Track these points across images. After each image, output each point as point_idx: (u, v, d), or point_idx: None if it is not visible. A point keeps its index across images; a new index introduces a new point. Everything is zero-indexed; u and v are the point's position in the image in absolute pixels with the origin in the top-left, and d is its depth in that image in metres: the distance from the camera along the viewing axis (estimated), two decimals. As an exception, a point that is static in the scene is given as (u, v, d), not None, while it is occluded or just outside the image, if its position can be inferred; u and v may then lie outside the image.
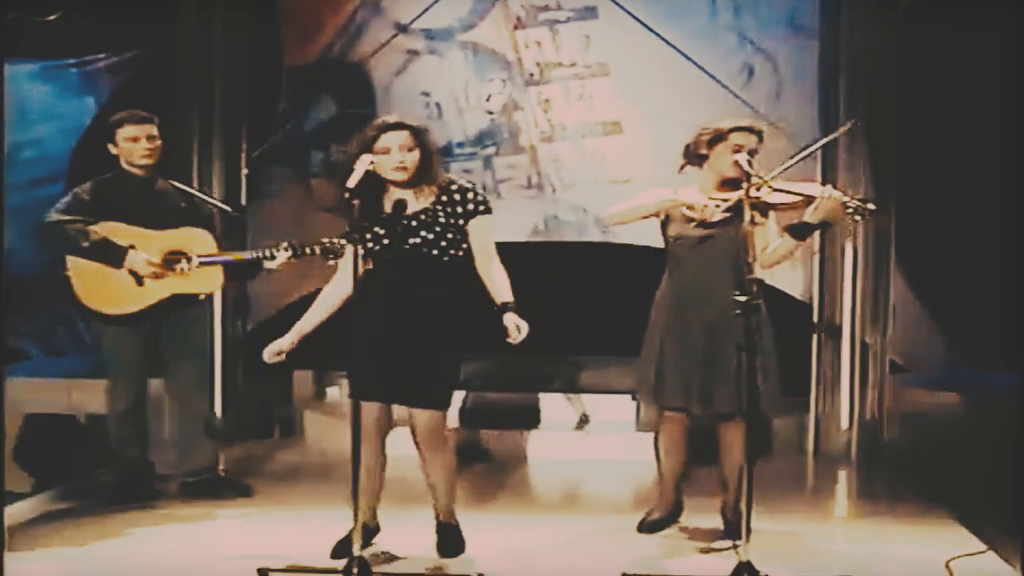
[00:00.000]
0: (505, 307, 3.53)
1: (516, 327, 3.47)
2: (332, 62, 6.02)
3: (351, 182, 3.37)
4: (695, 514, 4.16)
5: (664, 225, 3.81)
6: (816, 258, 5.41)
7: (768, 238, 3.67)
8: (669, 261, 3.82)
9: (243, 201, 5.68)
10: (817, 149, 3.75)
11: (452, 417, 5.52)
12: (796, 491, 4.92)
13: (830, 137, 3.93)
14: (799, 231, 3.59)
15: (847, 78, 5.48)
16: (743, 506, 3.35)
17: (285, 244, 4.24)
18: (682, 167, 3.82)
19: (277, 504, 4.45)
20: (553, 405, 5.79)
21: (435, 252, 3.54)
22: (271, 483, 4.81)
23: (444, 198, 3.58)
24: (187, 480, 4.49)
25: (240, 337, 5.81)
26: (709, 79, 5.70)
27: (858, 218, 3.47)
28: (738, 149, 3.66)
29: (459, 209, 3.57)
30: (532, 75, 6.02)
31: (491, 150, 6.01)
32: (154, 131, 4.32)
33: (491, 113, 5.99)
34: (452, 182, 3.60)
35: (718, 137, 3.71)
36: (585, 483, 5.09)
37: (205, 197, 4.55)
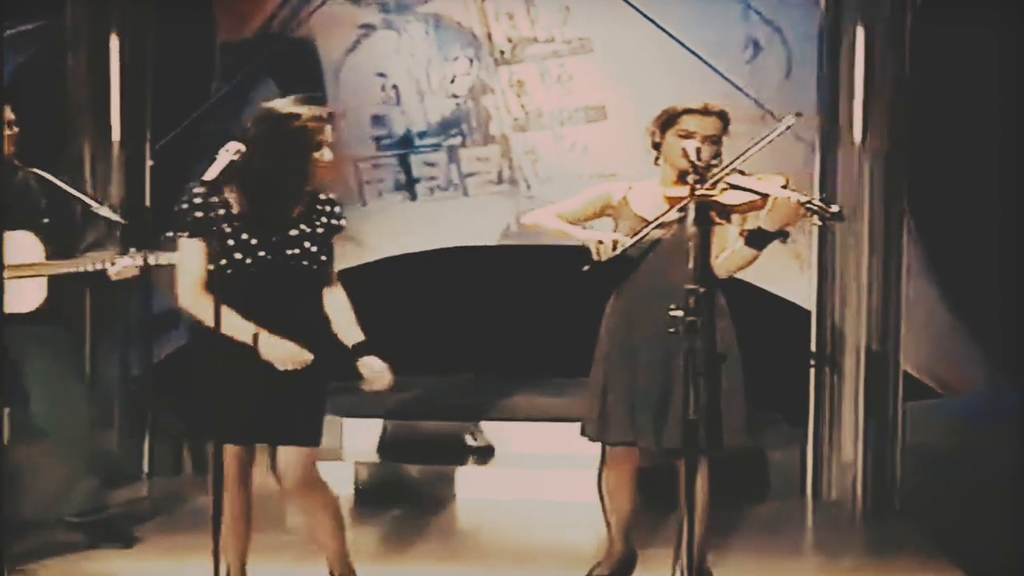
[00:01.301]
0: (360, 348, 3.37)
1: (377, 373, 3.33)
2: (273, 37, 5.91)
3: (210, 174, 3.14)
4: (650, 568, 3.92)
5: (614, 226, 3.67)
6: (815, 256, 5.26)
7: (728, 242, 3.52)
8: (620, 267, 3.64)
9: (148, 200, 5.34)
10: (770, 141, 3.45)
11: (371, 448, 5.43)
12: (788, 541, 4.65)
13: (781, 128, 3.53)
14: (756, 239, 3.40)
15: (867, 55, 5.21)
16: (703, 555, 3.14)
17: (133, 250, 3.96)
18: (656, 158, 3.64)
19: (161, 554, 4.20)
20: (496, 435, 5.57)
21: (314, 267, 3.36)
22: (165, 527, 4.56)
23: (318, 206, 3.41)
24: (70, 520, 4.23)
25: (148, 359, 5.49)
26: (708, 56, 5.56)
27: (818, 222, 3.32)
28: (688, 136, 3.48)
29: (332, 221, 3.43)
30: (503, 53, 5.96)
31: (456, 140, 5.95)
32: (10, 115, 4.03)
33: (456, 97, 5.93)
34: (321, 190, 3.43)
35: (668, 121, 3.54)
36: (529, 529, 4.78)
37: (81, 194, 4.22)
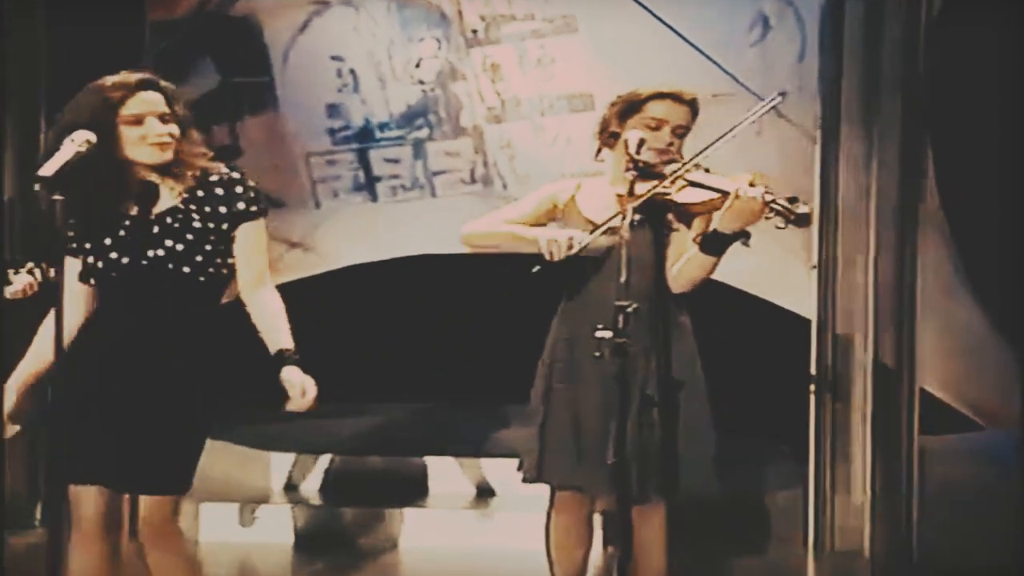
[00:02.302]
0: (283, 357, 3.20)
1: (299, 388, 3.15)
2: (211, 16, 5.80)
3: (47, 169, 2.91)
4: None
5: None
6: (816, 255, 5.26)
7: (687, 249, 3.46)
8: (566, 280, 3.56)
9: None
10: (739, 128, 3.39)
11: (311, 489, 5.39)
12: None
13: (760, 110, 3.45)
14: (712, 243, 3.32)
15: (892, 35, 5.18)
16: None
17: (30, 265, 3.77)
18: (598, 151, 3.59)
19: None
20: (446, 473, 5.49)
21: (186, 269, 3.17)
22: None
23: (200, 193, 3.21)
24: None
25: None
26: (710, 35, 5.46)
27: (781, 224, 3.24)
28: (656, 126, 3.43)
29: (222, 208, 3.20)
30: (476, 32, 5.84)
31: (423, 133, 5.86)
32: None
33: (422, 83, 5.84)
34: (209, 171, 3.23)
35: (631, 108, 3.48)
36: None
37: None
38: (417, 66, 5.84)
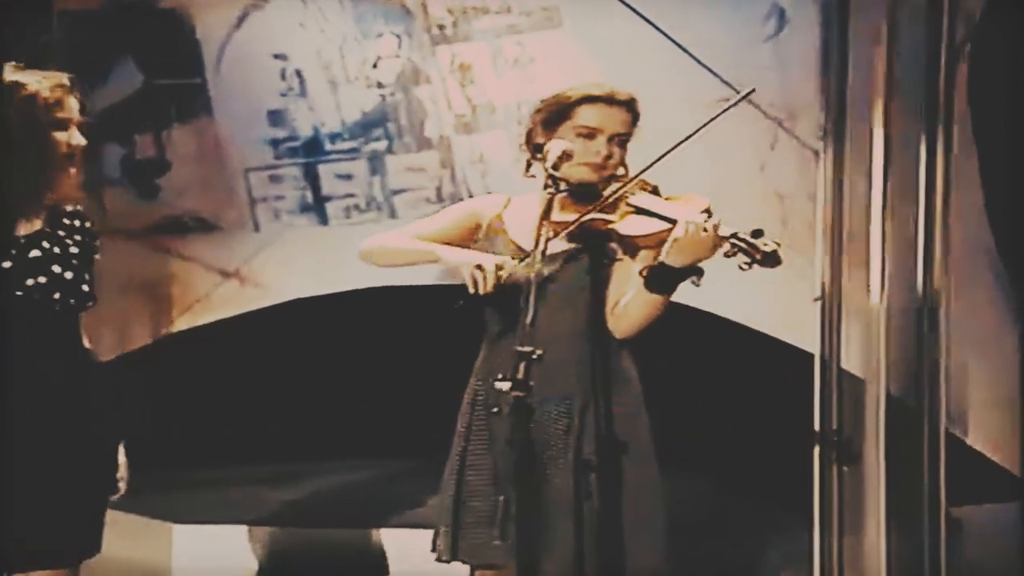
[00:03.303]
0: None
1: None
2: (133, 6, 5.73)
3: None
4: None
5: None
6: (819, 277, 5.23)
7: (631, 284, 3.43)
8: (487, 319, 3.50)
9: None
10: (702, 128, 3.37)
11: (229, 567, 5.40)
12: None
13: (721, 112, 3.43)
14: (658, 280, 3.26)
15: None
16: None
17: None
18: (528, 165, 3.55)
19: None
20: (408, 548, 5.37)
21: (72, 302, 3.29)
22: None
23: (65, 219, 3.35)
24: None
25: None
26: (713, 31, 5.39)
27: (746, 264, 3.20)
28: (589, 135, 3.38)
29: (86, 240, 3.35)
30: (443, 28, 5.70)
31: (381, 144, 5.73)
32: None
33: (380, 87, 5.73)
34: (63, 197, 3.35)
35: (558, 115, 3.44)
36: None
37: None
38: (374, 66, 5.73)
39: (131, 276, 5.42)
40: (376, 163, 5.74)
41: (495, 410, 3.10)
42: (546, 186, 3.26)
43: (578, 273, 3.39)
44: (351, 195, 5.72)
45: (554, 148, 3.31)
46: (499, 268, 3.31)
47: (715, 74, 5.34)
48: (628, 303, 3.37)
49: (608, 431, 3.36)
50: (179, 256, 5.56)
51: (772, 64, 5.37)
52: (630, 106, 3.45)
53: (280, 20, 5.67)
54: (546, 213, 3.19)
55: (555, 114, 3.45)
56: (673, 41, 5.41)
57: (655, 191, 3.39)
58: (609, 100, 3.43)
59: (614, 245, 3.38)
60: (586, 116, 3.40)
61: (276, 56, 5.69)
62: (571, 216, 3.33)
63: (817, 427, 5.19)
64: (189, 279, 5.55)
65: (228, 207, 5.61)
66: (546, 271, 3.27)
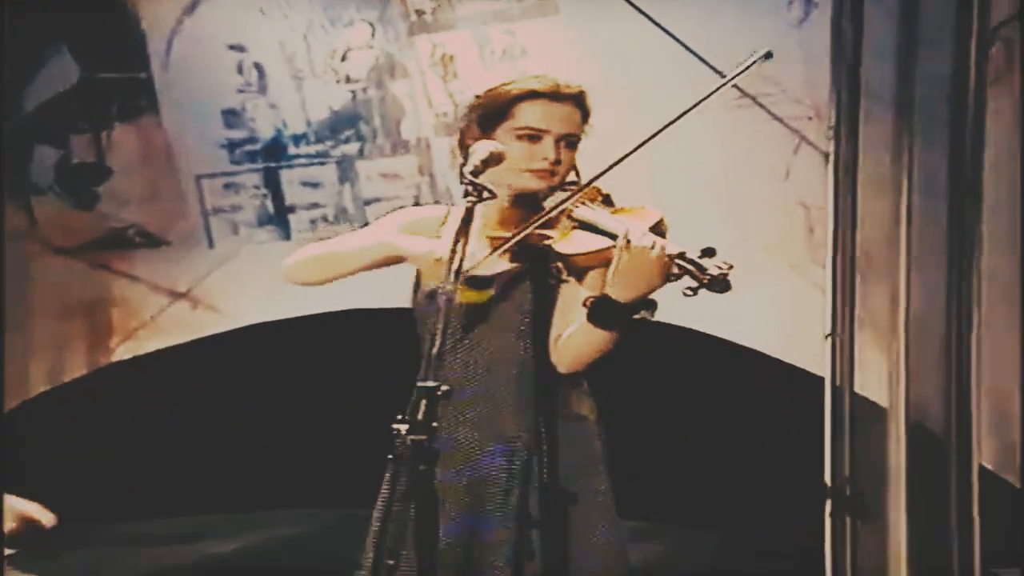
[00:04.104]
0: None
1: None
2: None
3: None
4: None
5: (416, 283, 3.42)
6: (830, 295, 4.94)
7: (576, 315, 3.29)
8: (423, 349, 3.23)
9: None
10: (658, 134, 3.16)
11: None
12: None
13: (716, 90, 3.14)
14: (600, 314, 3.09)
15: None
16: None
17: None
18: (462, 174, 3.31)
19: None
20: None
21: None
22: None
23: None
24: None
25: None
26: (729, 20, 5.23)
27: (689, 291, 3.01)
28: (533, 135, 3.19)
29: None
30: (422, 14, 5.70)
31: (352, 147, 5.70)
32: None
33: (351, 82, 5.69)
34: None
35: (496, 113, 3.24)
36: None
37: None
38: (344, 59, 5.70)
39: (65, 298, 5.29)
40: (346, 169, 5.76)
41: (390, 456, 2.85)
42: (466, 194, 3.01)
43: (518, 297, 3.22)
44: (318, 205, 5.69)
45: (478, 149, 3.07)
46: (455, 259, 3.11)
47: (717, 71, 5.21)
48: (571, 336, 3.19)
49: (552, 480, 3.22)
50: (121, 275, 5.42)
51: (796, 56, 5.24)
52: (579, 101, 3.25)
53: (237, 6, 5.68)
54: (464, 227, 2.96)
55: (492, 113, 3.26)
56: (672, 36, 5.37)
57: (607, 200, 3.21)
58: (554, 96, 3.22)
59: (559, 265, 3.20)
60: (528, 115, 3.19)
61: (232, 47, 5.66)
62: (511, 232, 3.21)
63: (828, 476, 5.00)
64: (132, 301, 5.41)
65: (177, 219, 5.53)
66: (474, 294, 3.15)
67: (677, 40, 5.46)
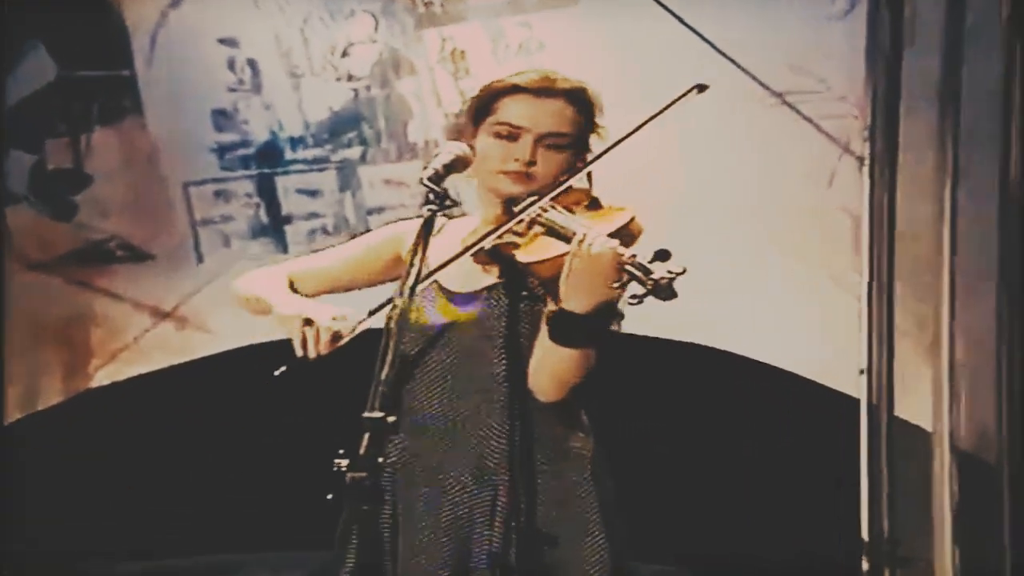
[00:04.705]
0: None
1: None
2: None
3: None
4: None
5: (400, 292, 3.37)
6: (865, 309, 5.06)
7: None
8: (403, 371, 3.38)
9: None
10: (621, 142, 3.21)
11: None
12: None
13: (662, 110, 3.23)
14: (560, 329, 3.04)
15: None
16: None
17: None
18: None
19: None
20: None
21: None
22: None
23: None
24: None
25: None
26: (767, 10, 5.21)
27: (633, 299, 2.94)
28: (510, 135, 3.16)
29: None
30: (429, 5, 5.58)
31: (353, 152, 5.55)
32: None
33: (353, 80, 5.53)
34: None
35: (483, 107, 3.22)
36: None
37: None
38: (344, 55, 5.55)
39: (40, 317, 5.18)
40: (347, 175, 5.62)
41: (329, 496, 2.77)
42: (426, 201, 2.95)
43: (495, 315, 3.14)
44: (316, 215, 5.57)
45: (442, 152, 3.03)
46: (335, 323, 3.06)
47: (745, 71, 5.22)
48: (539, 359, 3.12)
49: (529, 522, 3.15)
50: (101, 292, 5.32)
51: (840, 50, 5.20)
52: (573, 98, 3.17)
53: (226, -2, 5.57)
54: (423, 238, 2.90)
55: (479, 109, 3.21)
56: (697, 33, 5.30)
57: (593, 204, 3.14)
58: (540, 91, 3.16)
59: (535, 280, 3.16)
60: (507, 112, 3.14)
61: (223, 41, 5.51)
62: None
63: (865, 513, 5.02)
64: (113, 321, 5.30)
65: (163, 231, 5.43)
66: (442, 314, 3.10)
67: (702, 37, 5.38)
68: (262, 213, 5.55)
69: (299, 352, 3.09)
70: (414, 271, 2.86)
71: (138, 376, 5.28)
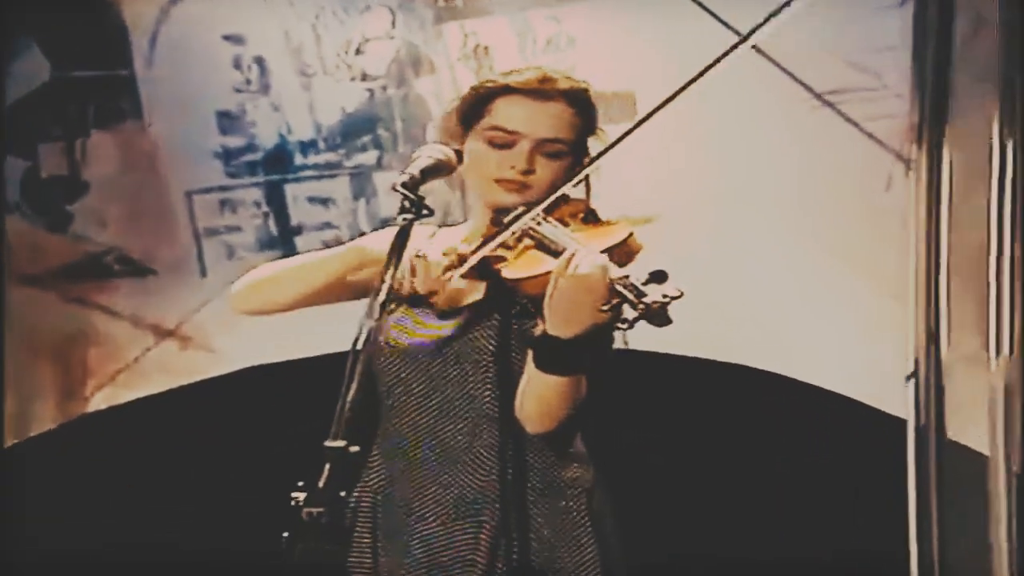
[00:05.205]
0: None
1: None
2: None
3: None
4: None
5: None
6: (911, 353, 5.02)
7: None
8: (382, 397, 3.32)
9: None
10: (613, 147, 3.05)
11: None
12: None
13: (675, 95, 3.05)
14: (545, 354, 2.96)
15: None
16: None
17: None
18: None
19: None
20: None
21: None
22: None
23: None
24: None
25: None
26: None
27: (626, 322, 2.85)
28: (504, 142, 3.12)
29: None
30: None
31: (369, 156, 5.47)
32: None
33: (368, 79, 5.43)
34: None
35: (475, 109, 3.20)
36: None
37: None
38: (359, 52, 5.43)
39: (32, 335, 5.09)
40: (362, 182, 5.51)
41: (284, 536, 2.70)
42: (401, 210, 2.88)
43: (480, 336, 3.07)
44: (329, 225, 5.46)
45: (422, 155, 3.00)
46: (452, 263, 2.98)
47: (785, 71, 5.12)
48: (524, 386, 3.04)
49: (515, 565, 3.09)
50: (98, 308, 5.23)
51: (900, 42, 5.06)
52: (574, 99, 3.10)
53: (231, -10, 5.57)
54: (396, 250, 2.83)
55: (470, 112, 3.16)
56: (733, 30, 5.07)
57: (589, 215, 3.07)
58: (536, 93, 3.09)
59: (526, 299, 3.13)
60: (501, 115, 3.07)
61: (228, 38, 5.38)
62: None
63: (914, 548, 4.94)
64: (112, 340, 5.21)
65: (164, 242, 5.32)
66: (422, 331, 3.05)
67: (738, 34, 5.14)
68: (270, 223, 5.46)
69: (407, 289, 3.02)
70: (385, 287, 2.76)
71: (138, 399, 5.22)
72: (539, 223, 3.02)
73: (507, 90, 3.09)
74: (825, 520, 5.08)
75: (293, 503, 2.60)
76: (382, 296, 2.76)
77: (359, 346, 2.72)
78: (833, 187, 5.02)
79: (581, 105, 3.13)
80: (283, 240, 5.42)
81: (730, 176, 4.86)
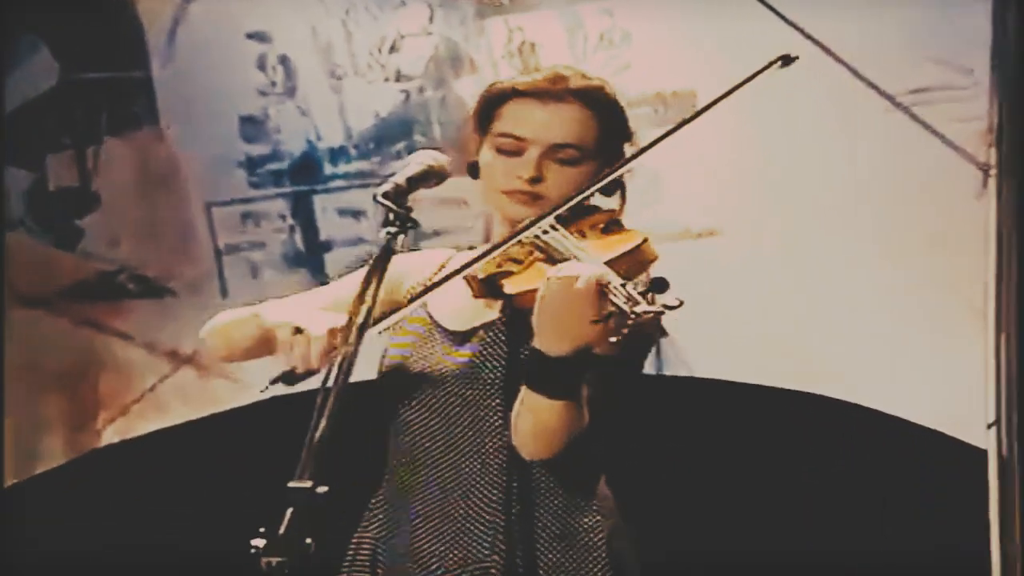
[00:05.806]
0: None
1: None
2: None
3: None
4: None
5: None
6: (992, 400, 4.85)
7: None
8: (391, 427, 3.29)
9: None
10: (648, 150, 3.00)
11: None
12: None
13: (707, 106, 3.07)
14: (536, 375, 2.87)
15: None
16: None
17: None
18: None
19: None
20: None
21: None
22: None
23: None
24: None
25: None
26: None
27: (614, 335, 2.69)
28: (512, 149, 3.09)
29: None
30: None
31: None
32: None
33: (403, 79, 5.32)
34: None
35: (485, 114, 3.16)
36: None
37: None
38: (393, 50, 5.32)
39: (40, 363, 4.99)
40: None
41: (264, 562, 2.55)
42: (386, 222, 2.78)
43: (490, 359, 3.01)
44: (361, 240, 5.33)
45: (411, 162, 2.93)
46: (334, 335, 2.85)
47: (853, 71, 4.97)
48: (518, 411, 2.93)
49: None
50: (110, 332, 5.13)
51: (991, 40, 4.89)
52: (589, 100, 3.03)
53: (255, -14, 5.55)
54: (378, 270, 2.74)
55: (482, 117, 3.13)
56: (799, 29, 4.97)
57: (611, 225, 2.95)
58: (546, 95, 3.04)
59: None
60: (509, 120, 3.03)
61: (252, 36, 5.29)
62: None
63: None
64: (125, 367, 5.11)
65: (182, 260, 5.26)
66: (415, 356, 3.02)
67: (804, 34, 5.03)
68: (297, 238, 5.36)
69: (286, 365, 2.90)
70: (364, 309, 2.64)
71: (154, 432, 5.12)
72: (547, 233, 2.93)
73: (515, 93, 3.05)
74: (905, 558, 4.91)
75: (252, 551, 2.42)
76: (361, 318, 2.63)
77: (330, 382, 2.58)
78: (914, 197, 4.85)
79: (600, 106, 3.05)
80: (311, 256, 5.33)
81: (799, 185, 4.78)
